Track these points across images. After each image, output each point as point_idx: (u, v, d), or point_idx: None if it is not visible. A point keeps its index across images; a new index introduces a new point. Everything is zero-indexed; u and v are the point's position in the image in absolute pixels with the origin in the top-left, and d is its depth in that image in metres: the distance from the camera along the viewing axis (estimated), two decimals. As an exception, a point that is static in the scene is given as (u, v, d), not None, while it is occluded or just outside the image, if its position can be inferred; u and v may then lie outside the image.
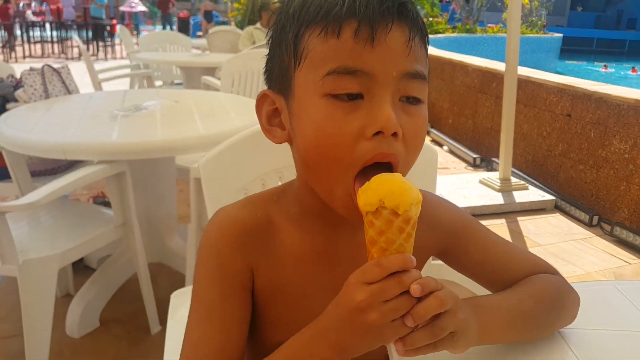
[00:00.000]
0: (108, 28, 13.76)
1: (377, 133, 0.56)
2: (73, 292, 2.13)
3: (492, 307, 0.68)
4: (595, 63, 18.18)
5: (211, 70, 4.50)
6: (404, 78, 0.58)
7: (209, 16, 17.79)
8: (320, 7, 0.57)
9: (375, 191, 0.52)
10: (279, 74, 0.63)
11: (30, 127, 1.79)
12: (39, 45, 13.83)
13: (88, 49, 12.16)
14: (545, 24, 14.59)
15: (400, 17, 0.57)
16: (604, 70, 15.52)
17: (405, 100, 0.59)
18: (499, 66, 4.64)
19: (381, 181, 0.53)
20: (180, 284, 2.27)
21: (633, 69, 14.82)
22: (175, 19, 18.50)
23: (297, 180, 0.69)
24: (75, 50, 13.33)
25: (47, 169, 2.22)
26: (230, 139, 1.08)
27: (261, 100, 0.67)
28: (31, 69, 2.34)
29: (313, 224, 0.67)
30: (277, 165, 1.11)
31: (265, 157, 1.10)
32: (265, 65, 0.67)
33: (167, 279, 2.34)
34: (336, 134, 0.57)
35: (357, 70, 0.56)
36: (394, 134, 0.56)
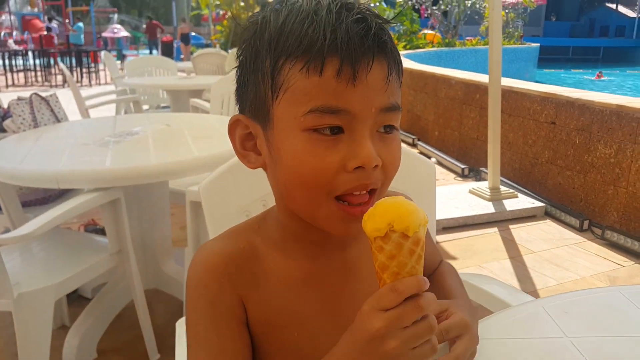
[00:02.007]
0: (91, 54, 13.73)
1: (358, 167, 0.57)
2: (69, 324, 2.09)
3: (470, 302, 0.72)
4: (578, 70, 18.51)
5: (198, 93, 4.50)
6: (382, 112, 0.59)
7: (185, 39, 17.91)
8: (300, 39, 0.56)
9: (382, 216, 0.52)
10: (255, 102, 0.62)
11: (20, 157, 1.77)
12: (22, 74, 13.75)
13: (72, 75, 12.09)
14: (522, 34, 14.91)
15: (380, 53, 0.58)
16: (597, 78, 15.76)
17: (382, 130, 0.60)
18: (481, 78, 4.72)
19: (386, 205, 0.53)
20: (178, 309, 2.25)
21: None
22: (159, 43, 18.59)
23: (277, 206, 0.69)
24: (59, 77, 13.27)
25: (38, 198, 2.20)
26: (229, 161, 1.08)
27: (234, 125, 0.66)
28: (19, 99, 2.33)
29: (297, 248, 0.67)
30: (276, 186, 1.12)
31: (266, 179, 1.10)
32: (237, 88, 0.66)
33: (163, 305, 2.31)
34: (318, 167, 0.57)
35: (340, 109, 0.56)
36: (375, 167, 0.58)
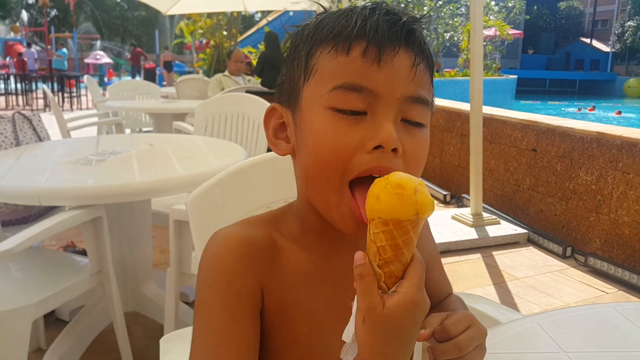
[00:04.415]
0: (71, 81, 13.69)
1: (377, 147, 0.57)
2: (45, 347, 2.02)
3: None
4: (554, 102, 18.93)
5: (181, 116, 4.49)
6: (407, 101, 0.60)
7: (168, 66, 18.09)
8: (332, 28, 0.60)
9: (423, 194, 0.51)
10: (289, 88, 0.65)
11: (2, 174, 1.73)
12: (2, 98, 13.62)
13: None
14: (499, 66, 15.28)
15: (407, 43, 0.60)
16: (590, 111, 16.04)
17: (407, 122, 0.61)
18: (462, 106, 4.80)
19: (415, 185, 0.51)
20: (157, 332, 2.18)
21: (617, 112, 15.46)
22: (142, 69, 18.66)
23: (298, 198, 0.69)
24: (40, 101, 13.18)
25: (18, 218, 2.14)
26: (216, 176, 1.07)
27: (270, 113, 0.69)
28: (1, 117, 2.29)
29: (314, 243, 0.67)
30: (266, 201, 1.10)
31: (253, 193, 1.09)
32: (278, 82, 0.69)
33: (142, 328, 2.25)
34: (336, 144, 0.58)
35: (363, 87, 0.58)
36: (394, 150, 0.58)
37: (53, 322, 2.22)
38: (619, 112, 15.41)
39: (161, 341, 1.08)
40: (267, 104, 0.71)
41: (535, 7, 35.96)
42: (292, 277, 0.65)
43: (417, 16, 0.62)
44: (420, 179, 0.52)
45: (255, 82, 5.82)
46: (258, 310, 0.63)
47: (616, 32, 35.14)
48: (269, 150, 0.78)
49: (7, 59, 17.84)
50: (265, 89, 4.91)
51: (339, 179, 0.59)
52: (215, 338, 0.60)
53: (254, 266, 0.63)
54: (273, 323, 0.64)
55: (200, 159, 2.14)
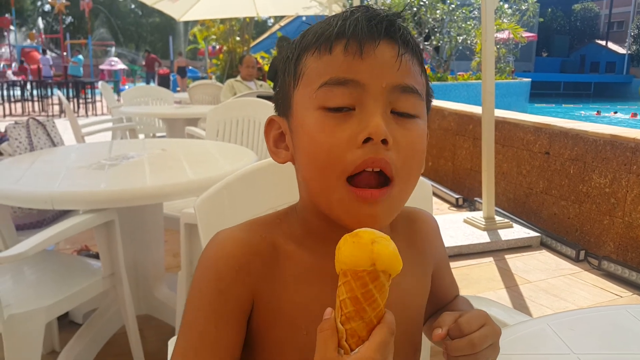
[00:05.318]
0: (88, 86, 13.87)
1: (367, 140, 0.57)
2: (58, 349, 2.04)
3: None
4: (569, 105, 18.66)
5: (193, 121, 4.53)
6: (395, 91, 0.60)
7: (182, 72, 18.26)
8: (316, 33, 0.63)
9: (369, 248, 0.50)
10: (282, 97, 0.67)
11: (16, 178, 1.76)
12: (19, 104, 13.84)
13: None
14: (513, 69, 15.16)
15: (389, 34, 0.60)
16: (613, 115, 15.81)
17: (397, 114, 0.61)
18: (474, 109, 4.78)
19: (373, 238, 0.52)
20: (169, 335, 2.18)
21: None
22: (156, 75, 18.84)
23: (300, 201, 0.70)
24: (56, 107, 13.36)
25: (32, 222, 2.18)
26: (225, 179, 1.08)
27: (269, 125, 0.70)
28: (16, 123, 2.33)
29: (317, 245, 0.67)
30: (274, 204, 1.11)
31: (261, 196, 1.10)
32: (274, 94, 0.71)
33: (154, 331, 2.26)
34: (328, 143, 0.59)
35: (348, 79, 0.58)
36: (384, 141, 0.57)
37: (67, 324, 2.25)
38: (635, 115, 15.21)
39: (170, 342, 1.09)
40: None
41: (550, 9, 35.66)
42: (292, 280, 0.65)
43: (397, 12, 0.63)
44: (387, 236, 0.52)
45: (267, 87, 5.85)
46: (246, 315, 0.64)
47: (632, 33, 34.75)
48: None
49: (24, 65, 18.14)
50: (277, 94, 4.93)
51: (336, 177, 0.59)
52: (196, 340, 0.61)
53: (248, 271, 0.63)
54: (266, 324, 0.64)
55: (211, 163, 2.16)
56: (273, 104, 0.71)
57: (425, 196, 1.18)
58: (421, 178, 1.22)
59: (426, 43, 14.75)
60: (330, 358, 0.49)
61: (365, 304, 0.49)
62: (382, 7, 0.65)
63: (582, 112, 16.60)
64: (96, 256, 2.46)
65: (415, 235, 0.75)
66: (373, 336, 0.49)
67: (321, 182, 0.61)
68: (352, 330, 0.50)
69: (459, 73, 13.85)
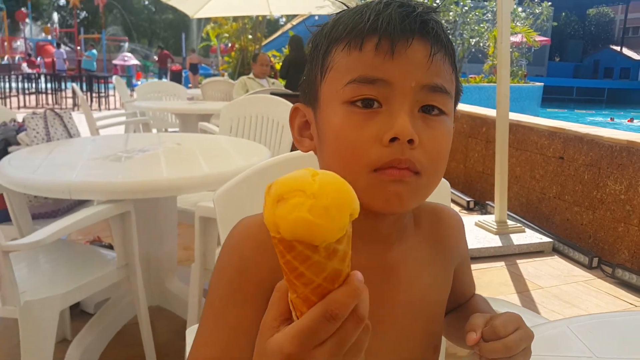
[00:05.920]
0: (101, 80, 13.97)
1: (394, 140, 0.57)
2: (70, 337, 2.06)
3: None
4: (582, 110, 18.46)
5: (207, 117, 4.55)
6: (424, 90, 0.59)
7: (194, 69, 18.36)
8: (347, 25, 0.61)
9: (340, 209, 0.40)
10: (309, 87, 0.67)
11: (34, 168, 1.77)
12: (33, 97, 13.98)
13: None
14: (526, 73, 15.07)
15: (422, 33, 0.59)
16: (629, 122, 15.66)
17: (424, 111, 0.60)
18: (487, 112, 4.75)
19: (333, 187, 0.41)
20: (181, 327, 2.21)
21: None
22: (169, 71, 18.95)
23: None
24: (69, 100, 13.48)
25: (47, 211, 2.19)
26: (244, 172, 1.08)
27: (294, 113, 0.70)
28: (34, 113, 2.35)
29: None
30: (293, 198, 1.11)
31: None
32: (301, 81, 0.70)
33: (166, 323, 2.27)
34: (354, 139, 0.58)
35: (377, 79, 0.58)
36: (410, 141, 0.57)
37: (78, 314, 2.26)
38: None
39: (187, 332, 1.09)
40: (291, 106, 0.73)
41: (564, 13, 35.44)
42: None
43: (432, 7, 0.62)
44: (311, 187, 0.39)
45: (279, 85, 5.86)
46: (266, 299, 0.62)
47: (647, 40, 34.44)
48: (292, 150, 0.78)
49: (39, 58, 18.29)
50: (289, 91, 4.94)
51: (362, 170, 0.59)
52: (212, 319, 0.61)
53: (270, 254, 0.62)
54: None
55: (226, 158, 2.17)
56: (286, 101, 0.71)
57: (444, 194, 1.18)
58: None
59: (439, 45, 14.65)
60: (264, 323, 0.45)
61: (291, 276, 0.40)
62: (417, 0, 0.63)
63: (596, 117, 16.45)
64: (109, 247, 2.47)
65: (440, 231, 0.74)
66: (300, 320, 0.40)
67: (346, 173, 0.60)
68: (294, 304, 0.41)
69: (471, 75, 13.79)
